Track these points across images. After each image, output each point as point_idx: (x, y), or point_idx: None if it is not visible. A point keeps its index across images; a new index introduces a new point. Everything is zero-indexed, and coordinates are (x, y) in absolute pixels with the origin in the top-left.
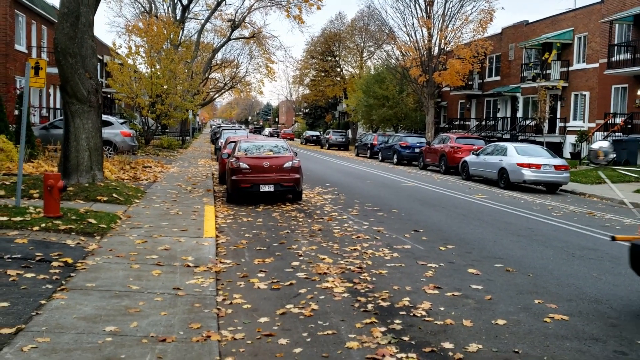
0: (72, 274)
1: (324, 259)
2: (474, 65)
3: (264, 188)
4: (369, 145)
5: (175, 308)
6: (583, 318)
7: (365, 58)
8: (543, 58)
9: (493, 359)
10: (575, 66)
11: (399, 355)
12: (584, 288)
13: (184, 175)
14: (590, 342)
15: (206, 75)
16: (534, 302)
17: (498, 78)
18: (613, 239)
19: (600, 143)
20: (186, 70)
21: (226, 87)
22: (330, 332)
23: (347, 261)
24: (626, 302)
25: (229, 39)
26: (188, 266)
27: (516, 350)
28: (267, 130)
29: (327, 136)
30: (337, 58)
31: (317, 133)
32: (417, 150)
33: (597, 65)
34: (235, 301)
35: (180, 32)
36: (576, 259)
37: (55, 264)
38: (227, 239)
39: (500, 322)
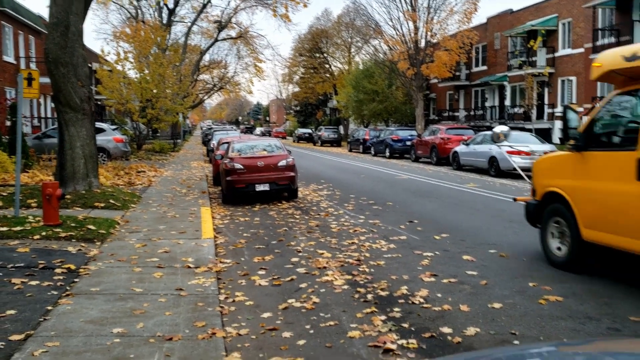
0: (75, 280)
1: (322, 253)
2: (460, 56)
3: (260, 187)
4: (361, 140)
5: (179, 308)
6: (577, 298)
7: (353, 53)
8: (528, 45)
9: (491, 341)
10: (561, 52)
11: (399, 342)
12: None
13: (178, 178)
14: (584, 321)
15: (195, 77)
16: (529, 285)
17: (485, 68)
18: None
19: (501, 127)
20: (175, 74)
21: (215, 88)
22: (332, 323)
23: (345, 254)
24: (614, 280)
25: (216, 40)
26: (189, 267)
27: (513, 331)
28: (258, 130)
29: (319, 133)
30: (325, 54)
31: (309, 130)
32: (408, 143)
33: (582, 50)
34: (237, 299)
35: (168, 36)
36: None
37: (58, 270)
38: (225, 239)
39: (497, 305)
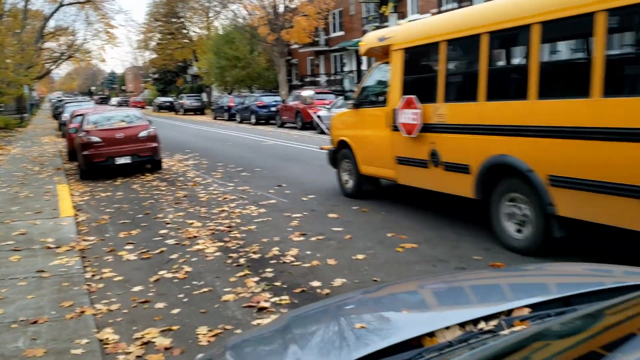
0: None
1: (192, 223)
2: (318, 22)
3: (120, 160)
4: (226, 108)
5: (42, 290)
6: (429, 244)
7: (211, 18)
8: (381, 11)
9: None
10: (410, 17)
11: (273, 300)
12: (429, 219)
13: (28, 155)
14: (436, 263)
15: (39, 45)
16: (387, 236)
17: (342, 33)
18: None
19: (307, 92)
20: (16, 42)
21: (63, 57)
22: (206, 289)
23: (215, 222)
24: (462, 226)
25: (61, 5)
26: (49, 248)
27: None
28: (114, 100)
29: (181, 101)
30: (183, 19)
31: (171, 99)
32: (273, 109)
33: (429, 15)
34: (105, 275)
35: (4, 0)
36: (415, 194)
37: None
38: (87, 216)
39: (360, 256)
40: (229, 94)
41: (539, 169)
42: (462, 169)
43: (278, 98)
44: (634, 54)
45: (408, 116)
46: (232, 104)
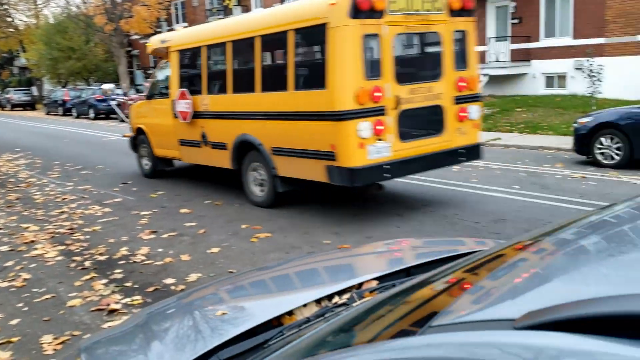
0: None
1: (28, 227)
2: (160, 12)
3: None
4: (60, 102)
5: None
6: (283, 232)
7: (40, 6)
8: (225, 3)
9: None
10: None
11: (123, 301)
12: (282, 209)
13: None
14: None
15: None
16: (242, 227)
17: (186, 24)
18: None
19: (107, 85)
20: None
21: None
22: (48, 296)
23: (55, 225)
24: (312, 214)
25: None
26: None
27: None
28: None
29: (8, 96)
30: (6, 6)
31: None
32: (114, 102)
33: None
34: None
35: None
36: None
37: None
38: None
39: (215, 250)
40: (64, 87)
41: (265, 142)
42: (222, 146)
43: (119, 91)
44: (308, 62)
45: (183, 106)
46: (67, 98)
